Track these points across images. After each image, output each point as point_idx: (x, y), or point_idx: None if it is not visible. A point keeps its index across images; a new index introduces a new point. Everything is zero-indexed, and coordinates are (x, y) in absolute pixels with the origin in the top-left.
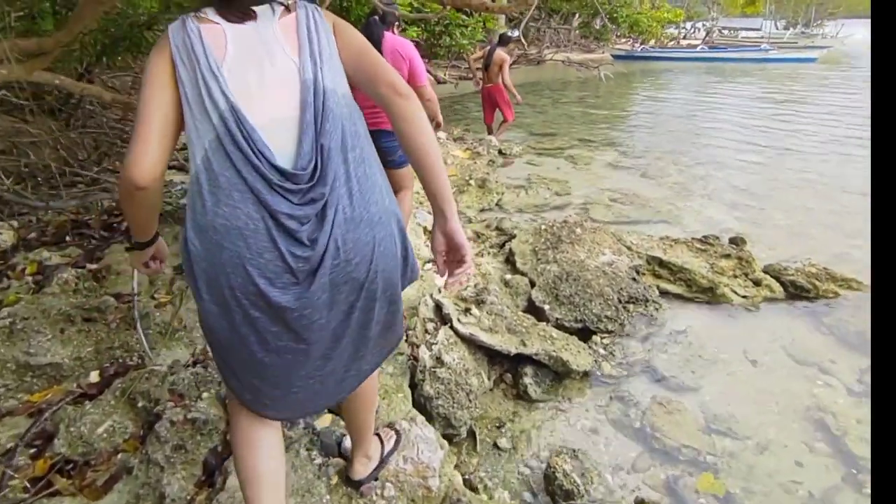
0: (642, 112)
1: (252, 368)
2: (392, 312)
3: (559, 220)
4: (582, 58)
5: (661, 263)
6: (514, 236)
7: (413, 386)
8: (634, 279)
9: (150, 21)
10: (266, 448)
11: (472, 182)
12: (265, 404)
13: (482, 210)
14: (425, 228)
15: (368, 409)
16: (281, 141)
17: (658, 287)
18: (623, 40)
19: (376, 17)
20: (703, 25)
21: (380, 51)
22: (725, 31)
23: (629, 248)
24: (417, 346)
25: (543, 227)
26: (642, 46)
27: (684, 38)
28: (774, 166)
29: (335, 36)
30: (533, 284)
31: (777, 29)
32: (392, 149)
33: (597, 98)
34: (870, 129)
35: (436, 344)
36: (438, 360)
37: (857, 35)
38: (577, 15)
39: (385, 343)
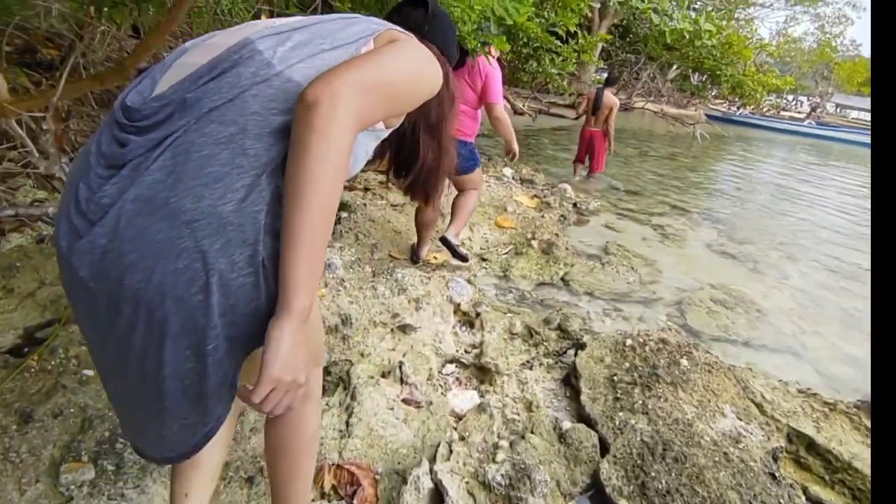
0: (745, 185)
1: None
2: (198, 375)
3: (654, 334)
4: (677, 112)
5: (811, 446)
6: (582, 345)
7: None
8: (773, 475)
9: None
10: None
11: (534, 243)
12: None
13: (540, 284)
14: (458, 306)
15: (289, 465)
16: (167, 85)
17: (804, 488)
18: (718, 100)
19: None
20: (809, 100)
21: None
22: (834, 109)
23: (760, 409)
24: None
25: (629, 341)
26: (741, 110)
27: (785, 109)
28: None
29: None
30: (605, 449)
31: None
32: (460, 156)
33: (690, 158)
34: None
35: None
36: None
37: None
38: (674, 66)
39: (194, 425)
